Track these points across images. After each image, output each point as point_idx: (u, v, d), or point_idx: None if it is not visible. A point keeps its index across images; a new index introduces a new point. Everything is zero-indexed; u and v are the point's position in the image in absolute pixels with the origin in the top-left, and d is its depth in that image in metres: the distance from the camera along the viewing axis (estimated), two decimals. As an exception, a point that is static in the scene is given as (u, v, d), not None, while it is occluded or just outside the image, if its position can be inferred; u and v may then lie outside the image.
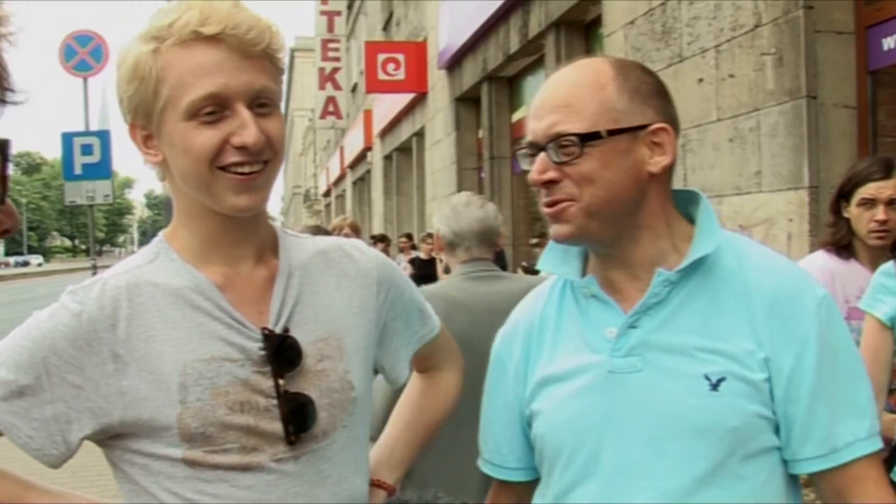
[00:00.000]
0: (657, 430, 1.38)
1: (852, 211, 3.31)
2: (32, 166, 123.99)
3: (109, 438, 1.37)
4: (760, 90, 5.12)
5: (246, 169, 1.34)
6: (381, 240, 14.35)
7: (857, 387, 1.41)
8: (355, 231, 7.75)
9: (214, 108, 1.31)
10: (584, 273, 1.53)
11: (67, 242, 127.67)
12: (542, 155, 1.41)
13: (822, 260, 3.37)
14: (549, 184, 1.41)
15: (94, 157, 12.30)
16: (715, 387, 1.36)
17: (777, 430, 1.39)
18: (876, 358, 2.97)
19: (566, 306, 1.54)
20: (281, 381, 1.38)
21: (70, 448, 1.35)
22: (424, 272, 12.52)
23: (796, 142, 4.82)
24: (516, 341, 1.59)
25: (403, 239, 15.25)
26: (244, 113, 1.32)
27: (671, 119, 1.45)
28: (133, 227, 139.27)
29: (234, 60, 1.32)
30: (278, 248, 1.49)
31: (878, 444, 1.40)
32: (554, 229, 1.45)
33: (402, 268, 11.56)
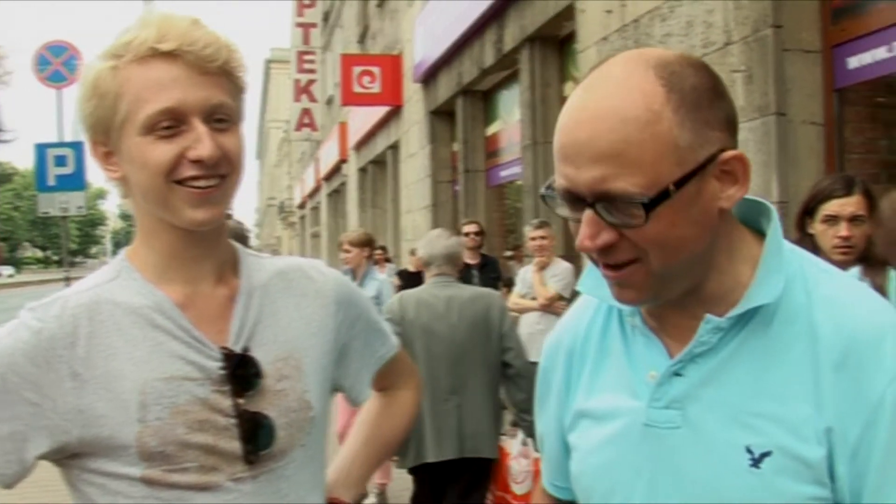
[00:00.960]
0: (690, 497, 1.19)
1: (816, 227, 3.38)
2: (3, 176, 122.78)
3: (67, 458, 1.36)
4: (730, 107, 5.17)
5: (202, 183, 1.34)
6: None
7: None
8: (357, 245, 7.34)
9: (171, 123, 1.32)
10: None
11: (39, 253, 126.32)
12: (589, 214, 1.12)
13: None
14: (605, 247, 1.15)
15: (68, 169, 12.21)
16: (756, 463, 1.14)
17: None
18: None
19: (611, 331, 1.35)
20: (240, 401, 1.39)
21: (24, 467, 1.33)
22: (412, 284, 12.52)
23: (765, 158, 4.89)
24: (558, 360, 1.43)
25: (379, 251, 15.22)
26: (200, 127, 1.33)
27: (734, 125, 1.17)
28: (106, 238, 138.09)
29: (190, 76, 1.33)
30: (238, 267, 1.50)
31: None
32: (617, 293, 1.21)
33: (384, 279, 11.53)
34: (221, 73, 1.37)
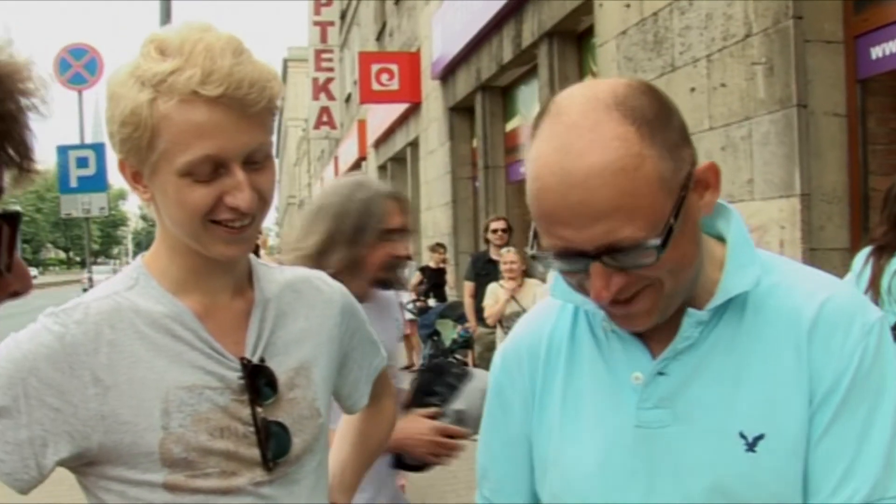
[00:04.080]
0: (689, 491, 1.19)
1: None
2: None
3: (84, 465, 1.36)
4: (752, 99, 5.16)
5: (237, 223, 1.36)
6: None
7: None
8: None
9: (210, 168, 1.31)
10: None
11: (62, 255, 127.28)
12: (597, 266, 1.12)
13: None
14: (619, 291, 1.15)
15: (90, 170, 12.32)
16: (752, 447, 1.16)
17: None
18: None
19: (579, 335, 1.34)
20: (259, 409, 1.42)
21: (43, 473, 1.32)
22: (434, 280, 12.59)
23: (787, 150, 4.85)
24: (521, 370, 1.39)
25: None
26: (239, 175, 1.32)
27: (688, 133, 1.20)
28: (127, 238, 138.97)
29: (232, 121, 1.30)
30: (252, 278, 1.52)
31: None
32: (626, 323, 1.22)
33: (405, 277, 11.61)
34: (262, 113, 1.35)
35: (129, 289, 1.42)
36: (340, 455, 1.86)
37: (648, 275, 1.13)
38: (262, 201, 1.38)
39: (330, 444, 1.68)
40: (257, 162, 1.36)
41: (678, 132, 1.16)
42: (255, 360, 1.44)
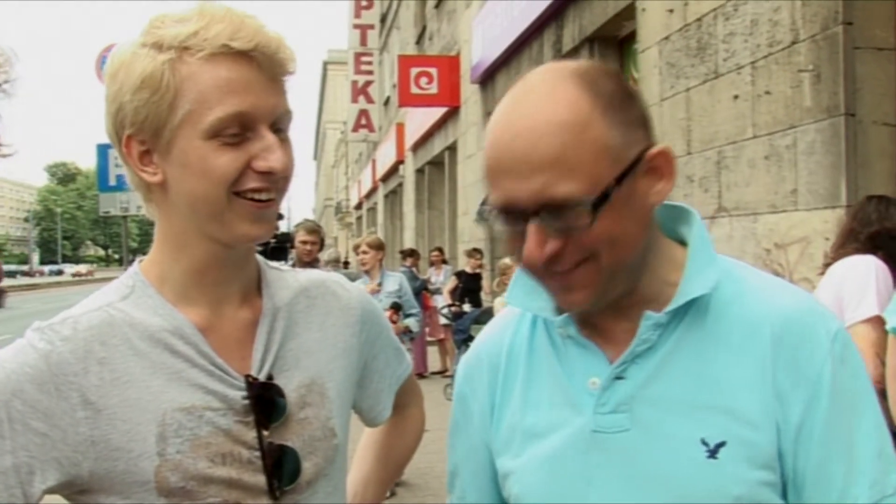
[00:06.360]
0: (646, 498, 1.18)
1: None
2: (68, 176, 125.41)
3: (75, 493, 1.26)
4: (797, 107, 5.06)
5: (264, 196, 1.26)
6: (410, 255, 14.37)
7: (880, 437, 1.19)
8: (375, 248, 7.99)
9: (238, 130, 1.22)
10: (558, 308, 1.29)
11: (101, 252, 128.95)
12: (534, 225, 1.13)
13: None
14: (553, 255, 1.15)
15: (129, 169, 12.41)
16: (713, 453, 1.16)
17: (785, 494, 1.18)
18: None
19: (538, 344, 1.34)
20: (265, 432, 1.31)
21: (30, 502, 1.20)
22: (469, 286, 12.63)
23: (834, 160, 4.76)
24: (481, 380, 1.39)
25: (435, 253, 15.26)
26: (269, 136, 1.24)
27: (649, 123, 1.21)
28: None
29: (262, 80, 1.24)
30: (261, 285, 1.41)
31: None
32: (564, 298, 1.21)
33: (440, 281, 11.28)
34: (285, 79, 1.29)
35: (124, 299, 1.31)
36: (362, 470, 1.70)
37: (584, 243, 1.14)
38: (286, 178, 1.29)
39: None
40: (282, 131, 1.28)
41: (635, 116, 1.18)
42: (262, 377, 1.33)
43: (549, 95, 1.14)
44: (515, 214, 1.15)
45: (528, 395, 1.32)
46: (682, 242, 1.29)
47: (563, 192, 1.10)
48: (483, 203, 1.21)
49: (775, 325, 1.18)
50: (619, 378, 1.22)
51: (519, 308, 1.35)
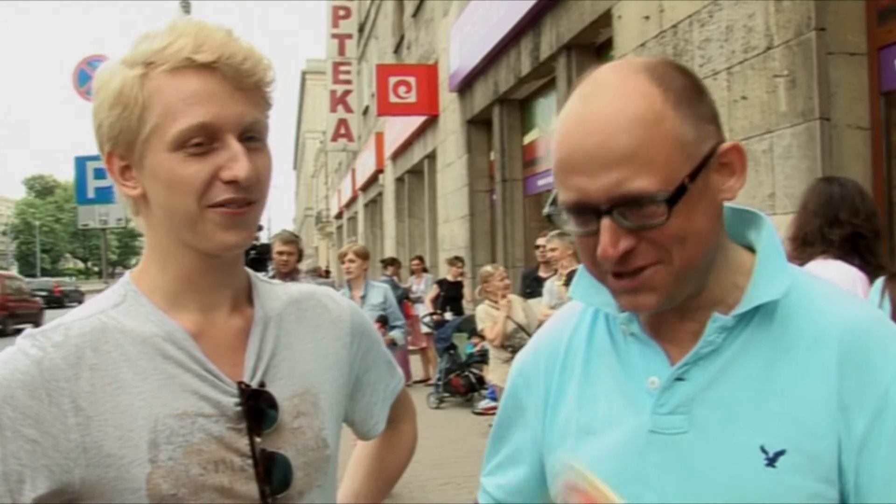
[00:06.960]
0: (705, 501, 1.16)
1: None
2: (46, 189, 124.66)
3: (66, 501, 1.23)
4: (773, 112, 5.11)
5: (234, 208, 1.26)
6: (390, 263, 14.36)
7: None
8: (362, 257, 7.92)
9: (203, 140, 1.23)
10: None
11: (80, 265, 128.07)
12: (607, 222, 1.11)
13: None
14: (626, 253, 1.13)
15: (108, 181, 12.23)
16: (772, 462, 1.12)
17: None
18: None
19: (598, 339, 1.32)
20: (257, 440, 1.30)
21: None
22: (451, 294, 12.64)
23: (810, 164, 4.80)
24: (537, 374, 1.38)
25: (416, 261, 15.25)
26: (235, 146, 1.24)
27: (719, 120, 1.19)
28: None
29: (227, 90, 1.24)
30: (252, 295, 1.41)
31: None
32: (631, 301, 1.17)
33: (422, 290, 11.26)
34: (256, 89, 1.29)
35: (116, 306, 1.31)
36: (353, 484, 1.70)
37: (658, 240, 1.11)
38: (260, 188, 1.29)
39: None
40: (254, 139, 1.28)
41: (706, 110, 1.16)
42: (255, 384, 1.32)
43: (621, 90, 1.11)
44: (588, 213, 1.12)
45: (584, 390, 1.30)
46: (749, 248, 1.26)
47: (638, 187, 1.08)
48: (552, 203, 1.18)
49: (844, 336, 1.14)
50: (679, 379, 1.20)
51: (582, 302, 1.33)
